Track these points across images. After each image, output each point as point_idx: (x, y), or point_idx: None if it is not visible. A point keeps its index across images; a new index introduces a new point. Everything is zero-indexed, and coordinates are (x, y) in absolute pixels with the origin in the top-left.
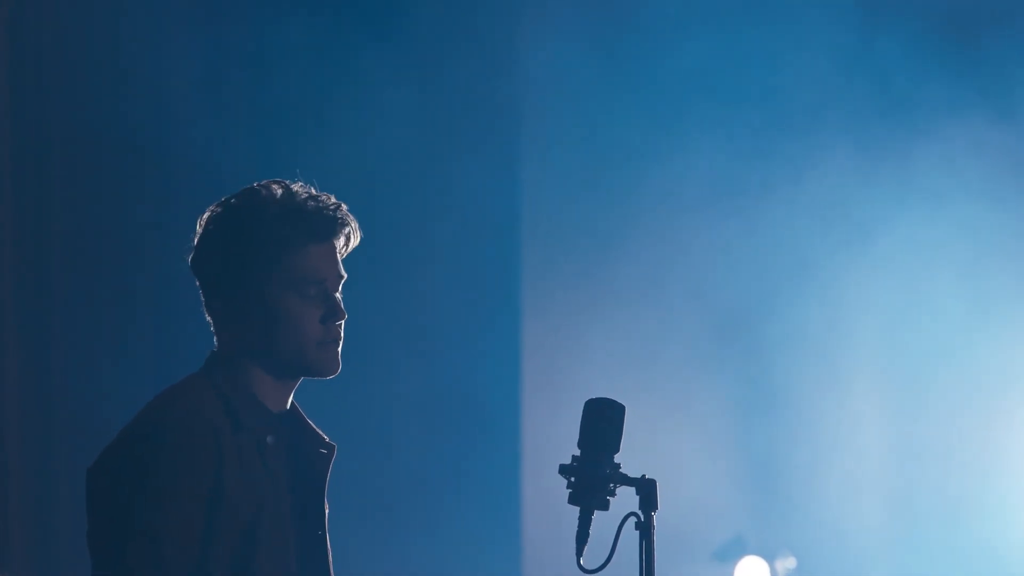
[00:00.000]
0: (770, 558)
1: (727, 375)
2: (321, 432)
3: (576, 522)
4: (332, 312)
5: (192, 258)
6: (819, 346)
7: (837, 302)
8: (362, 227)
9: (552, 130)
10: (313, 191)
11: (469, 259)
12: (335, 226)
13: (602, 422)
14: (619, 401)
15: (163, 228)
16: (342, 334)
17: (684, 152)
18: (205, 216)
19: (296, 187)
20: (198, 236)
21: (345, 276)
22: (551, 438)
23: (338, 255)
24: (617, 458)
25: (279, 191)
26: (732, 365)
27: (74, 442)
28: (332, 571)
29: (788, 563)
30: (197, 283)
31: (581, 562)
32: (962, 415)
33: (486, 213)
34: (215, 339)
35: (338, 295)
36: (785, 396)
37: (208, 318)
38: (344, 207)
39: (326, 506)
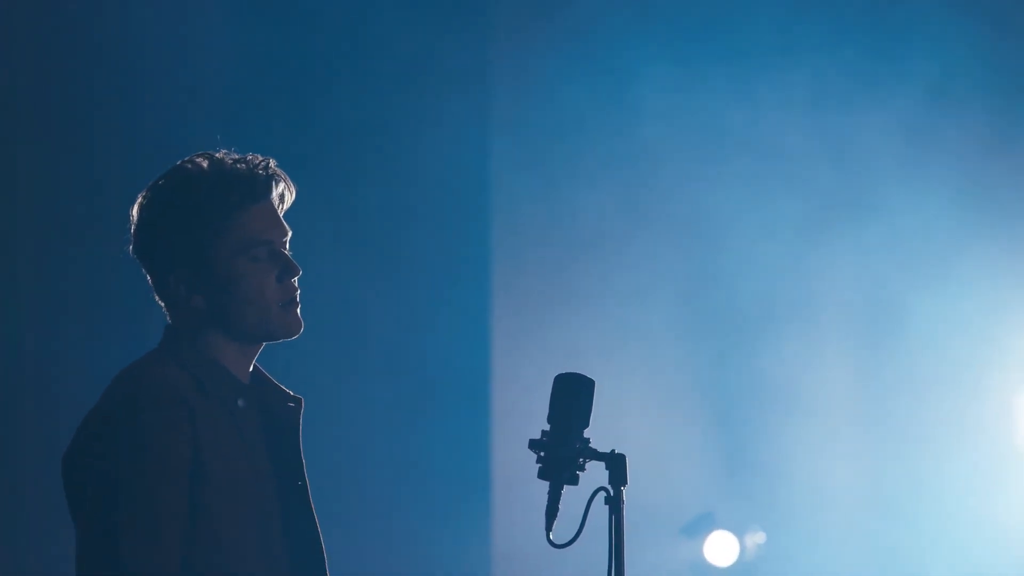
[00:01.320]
0: (740, 533)
1: (698, 350)
2: (285, 388)
3: (546, 497)
4: (286, 269)
5: (133, 246)
6: (790, 320)
7: (810, 273)
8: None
9: (523, 105)
10: (237, 155)
11: (439, 236)
12: (269, 183)
13: (572, 397)
14: (589, 376)
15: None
16: (298, 291)
17: (651, 125)
18: (137, 203)
19: (220, 155)
20: (135, 223)
21: (290, 232)
22: (521, 413)
23: (278, 212)
24: (587, 433)
25: (205, 162)
26: (703, 340)
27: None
28: (317, 523)
29: (757, 538)
30: (143, 269)
31: (551, 537)
32: (936, 390)
33: (456, 190)
34: (169, 318)
35: (287, 252)
36: (755, 371)
37: (160, 302)
38: (273, 162)
39: (303, 459)
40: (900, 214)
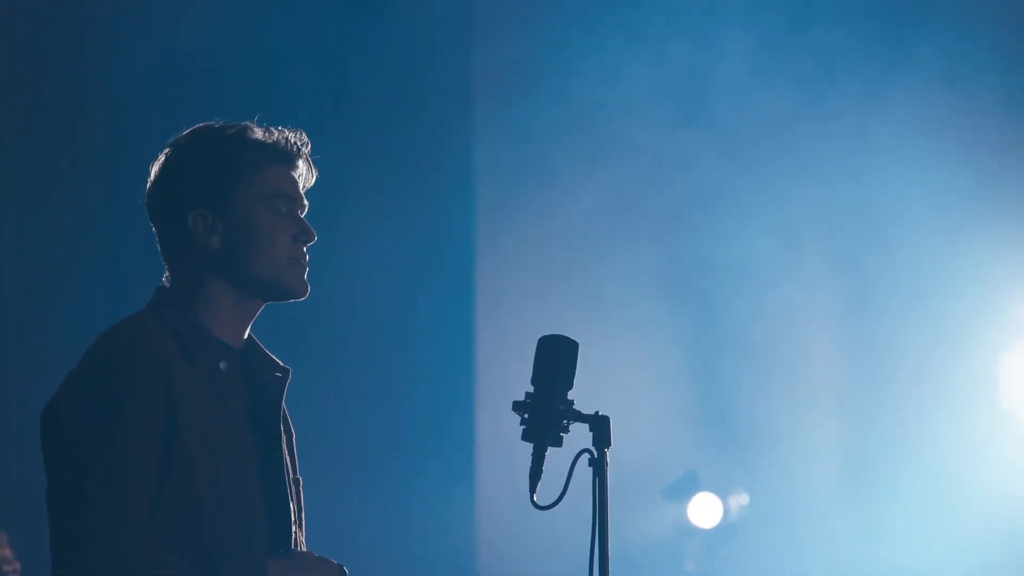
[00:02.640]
0: (723, 494)
1: (681, 312)
2: (276, 358)
3: (529, 459)
4: (304, 232)
5: (151, 191)
6: (773, 281)
7: (794, 232)
8: (316, 163)
9: (508, 63)
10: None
11: (423, 198)
12: (297, 150)
13: (556, 359)
14: (572, 338)
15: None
16: (307, 258)
17: (637, 92)
18: (160, 158)
19: (247, 123)
20: (156, 172)
21: (307, 205)
22: (504, 375)
23: (300, 183)
24: (570, 395)
25: (234, 125)
26: (686, 302)
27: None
28: (289, 492)
29: (741, 500)
30: (152, 224)
31: (535, 498)
32: (920, 351)
33: (440, 149)
34: (168, 275)
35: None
36: (738, 333)
37: (165, 255)
38: (303, 135)
39: (287, 428)
40: (892, 171)
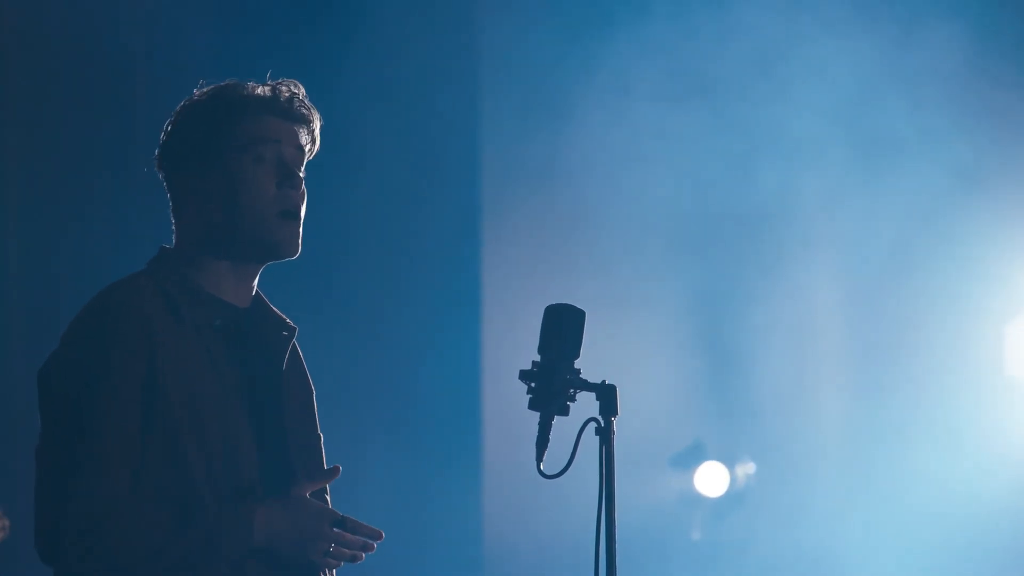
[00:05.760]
0: (730, 463)
1: (689, 281)
2: (284, 317)
3: (536, 428)
4: (287, 176)
5: (159, 151)
6: (779, 248)
7: (804, 203)
8: (323, 146)
9: (513, 40)
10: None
11: (427, 164)
12: (293, 104)
13: (562, 327)
14: (579, 307)
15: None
16: (302, 214)
17: (637, 63)
18: (172, 116)
19: (249, 82)
20: (162, 135)
21: (307, 152)
22: (511, 343)
23: (299, 137)
24: (577, 364)
25: (241, 83)
26: (693, 271)
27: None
28: (301, 450)
29: (747, 468)
30: (163, 180)
31: (541, 467)
32: (927, 319)
33: (445, 125)
34: (174, 236)
35: (300, 173)
36: (745, 302)
37: (172, 217)
38: (305, 95)
39: (305, 385)
40: (901, 152)
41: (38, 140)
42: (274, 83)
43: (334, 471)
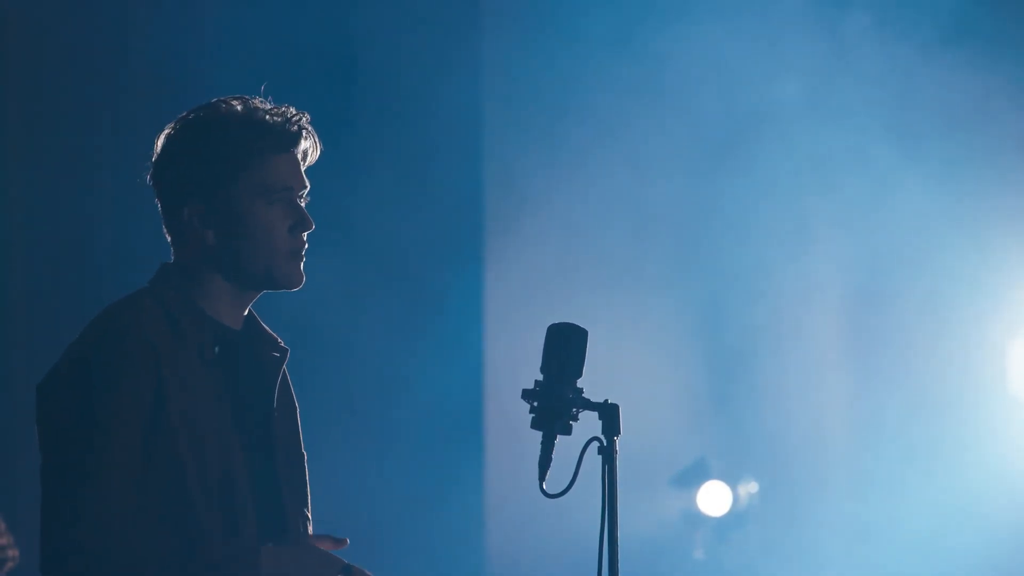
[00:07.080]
0: (732, 483)
1: (691, 299)
2: (277, 337)
3: (539, 447)
4: (301, 221)
5: (153, 173)
6: (781, 265)
7: (804, 218)
8: (321, 131)
9: (515, 29)
10: (272, 104)
11: (431, 175)
12: (299, 136)
13: (565, 347)
14: (582, 326)
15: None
16: (307, 246)
17: (645, 64)
18: (164, 132)
19: (256, 101)
20: (158, 151)
21: (308, 186)
22: (513, 363)
23: (301, 166)
24: (580, 383)
25: (239, 105)
26: (695, 289)
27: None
28: (288, 471)
29: (750, 488)
30: (157, 201)
31: (544, 487)
32: (930, 336)
33: (449, 123)
34: (172, 254)
35: (303, 203)
36: (747, 320)
37: (167, 235)
38: (306, 118)
39: (290, 403)
40: (901, 161)
41: (38, 140)
42: (282, 112)
43: (342, 542)
